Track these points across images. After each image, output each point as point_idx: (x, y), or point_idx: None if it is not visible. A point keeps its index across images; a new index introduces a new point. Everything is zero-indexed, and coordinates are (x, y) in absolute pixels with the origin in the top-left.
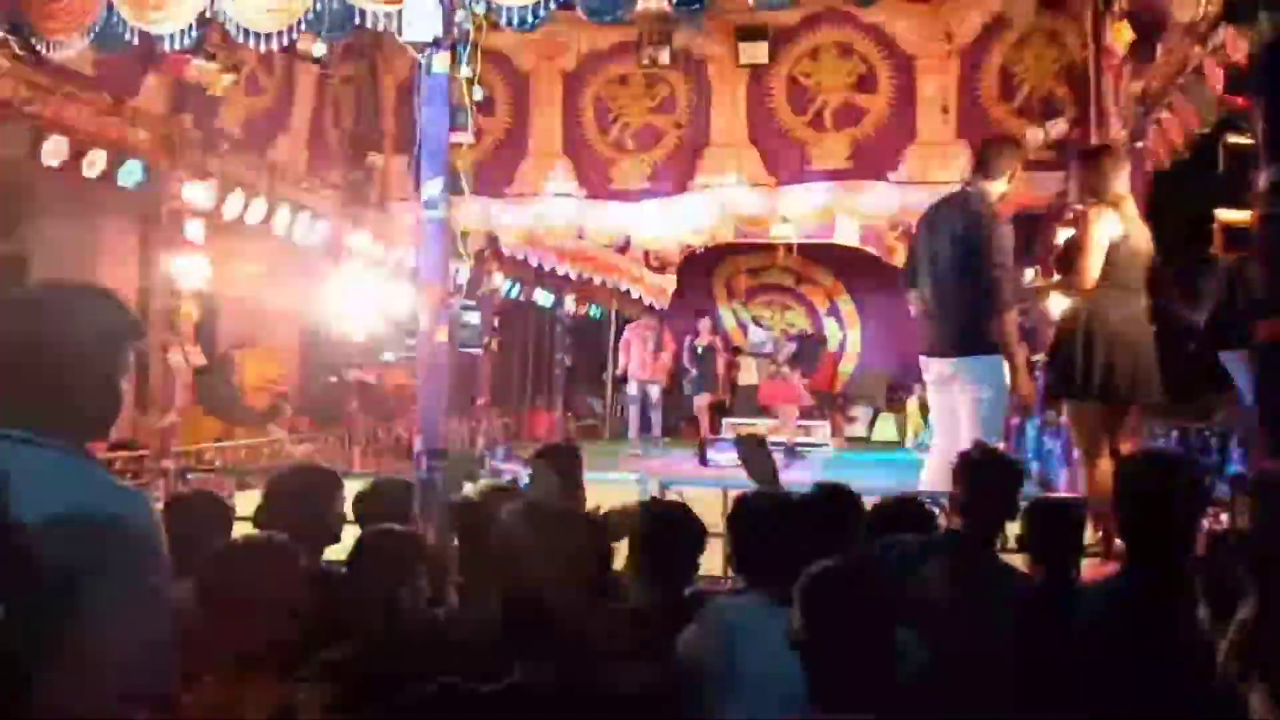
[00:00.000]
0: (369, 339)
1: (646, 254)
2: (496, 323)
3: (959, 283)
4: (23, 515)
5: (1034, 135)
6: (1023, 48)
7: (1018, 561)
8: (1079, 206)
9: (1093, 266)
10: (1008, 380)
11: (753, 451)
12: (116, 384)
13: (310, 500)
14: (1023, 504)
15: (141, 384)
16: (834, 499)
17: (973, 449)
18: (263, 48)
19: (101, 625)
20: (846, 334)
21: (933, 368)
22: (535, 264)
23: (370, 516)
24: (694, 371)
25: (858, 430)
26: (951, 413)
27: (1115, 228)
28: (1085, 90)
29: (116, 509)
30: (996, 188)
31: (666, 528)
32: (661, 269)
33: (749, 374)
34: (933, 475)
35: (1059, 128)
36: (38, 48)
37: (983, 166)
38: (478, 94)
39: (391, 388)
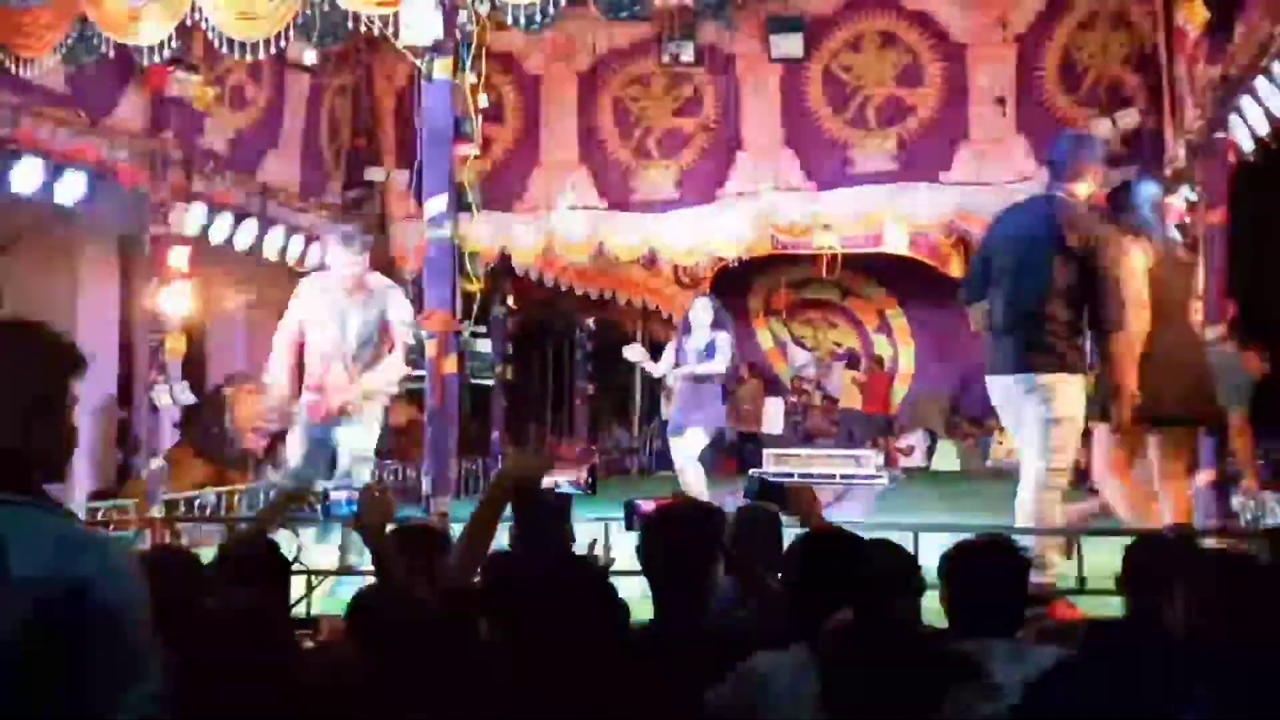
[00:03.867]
0: None
1: (676, 269)
2: (510, 350)
3: (1038, 297)
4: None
5: (1101, 127)
6: (1086, 32)
7: None
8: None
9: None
10: (1083, 404)
11: (777, 497)
12: (66, 421)
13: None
14: None
15: (126, 425)
16: (893, 555)
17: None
18: (249, 57)
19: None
20: (899, 352)
21: (998, 388)
22: (551, 284)
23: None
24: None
25: (915, 460)
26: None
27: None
28: (1156, 77)
29: (87, 571)
30: (1081, 190)
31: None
32: (692, 285)
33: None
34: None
35: (1129, 118)
36: (6, 65)
37: (1057, 168)
38: (483, 101)
39: (396, 424)
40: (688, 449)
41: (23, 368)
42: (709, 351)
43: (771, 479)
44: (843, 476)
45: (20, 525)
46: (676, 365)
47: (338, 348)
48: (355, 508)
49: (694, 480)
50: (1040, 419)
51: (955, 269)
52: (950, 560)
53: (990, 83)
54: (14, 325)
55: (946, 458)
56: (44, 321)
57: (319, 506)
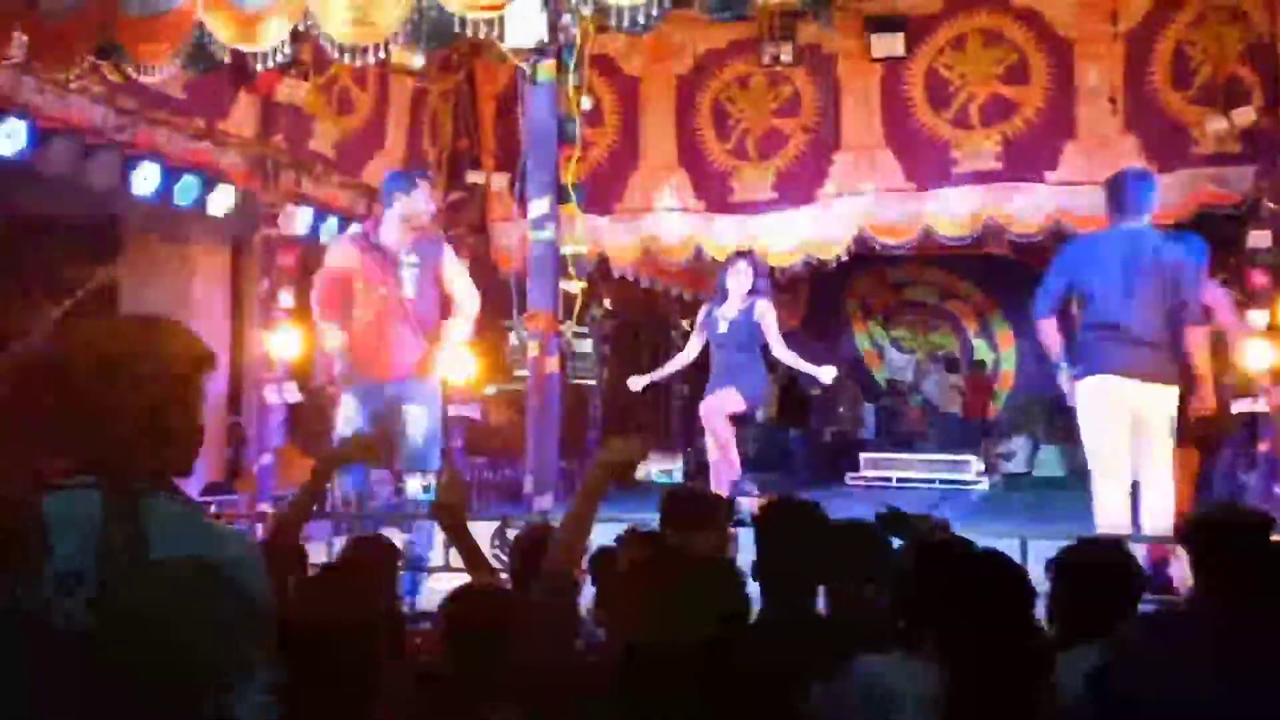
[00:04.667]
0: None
1: (771, 271)
2: (607, 351)
3: (1165, 314)
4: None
5: (1216, 125)
6: (1199, 27)
7: None
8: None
9: None
10: None
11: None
12: (198, 418)
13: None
14: None
15: (235, 423)
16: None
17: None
18: (358, 63)
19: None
20: (1000, 356)
21: (1136, 390)
22: (648, 285)
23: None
24: None
25: (1017, 466)
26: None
27: None
28: (1273, 71)
29: (218, 559)
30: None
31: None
32: (789, 287)
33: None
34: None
35: (1245, 116)
36: (129, 72)
37: (1142, 205)
38: (585, 103)
39: (496, 424)
40: (718, 405)
41: (156, 364)
42: (746, 322)
43: (904, 512)
44: (941, 482)
45: (156, 514)
46: (703, 333)
47: (397, 306)
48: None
49: (722, 435)
50: (1173, 430)
51: None
52: (1064, 562)
53: (1099, 81)
54: (147, 322)
55: (1050, 463)
56: (174, 319)
57: (395, 488)
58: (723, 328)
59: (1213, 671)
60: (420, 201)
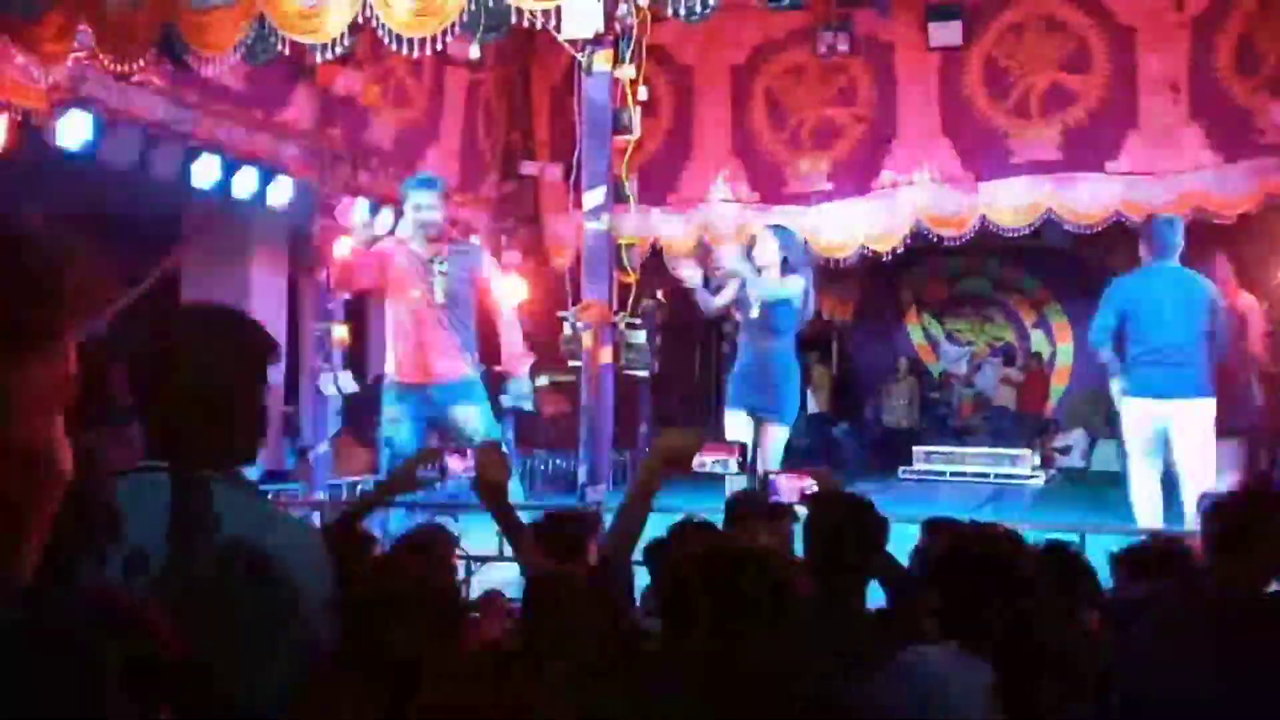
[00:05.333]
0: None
1: (827, 262)
2: (659, 342)
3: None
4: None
5: None
6: (1267, 13)
7: None
8: None
9: None
10: None
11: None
12: (262, 406)
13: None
14: None
15: (292, 413)
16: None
17: None
18: (415, 53)
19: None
20: (1057, 349)
21: (1165, 409)
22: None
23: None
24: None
25: (1073, 461)
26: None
27: None
28: None
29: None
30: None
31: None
32: (842, 279)
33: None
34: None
35: None
36: (190, 64)
37: (1173, 249)
38: (642, 93)
39: (548, 415)
40: (772, 446)
41: (222, 352)
42: (777, 305)
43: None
44: (996, 476)
45: (222, 498)
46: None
47: (429, 310)
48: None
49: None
50: (1209, 433)
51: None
52: (1123, 559)
53: (1162, 69)
54: (214, 311)
55: (1107, 458)
56: (240, 308)
57: (437, 469)
58: (755, 312)
59: (1213, 671)
60: (432, 207)
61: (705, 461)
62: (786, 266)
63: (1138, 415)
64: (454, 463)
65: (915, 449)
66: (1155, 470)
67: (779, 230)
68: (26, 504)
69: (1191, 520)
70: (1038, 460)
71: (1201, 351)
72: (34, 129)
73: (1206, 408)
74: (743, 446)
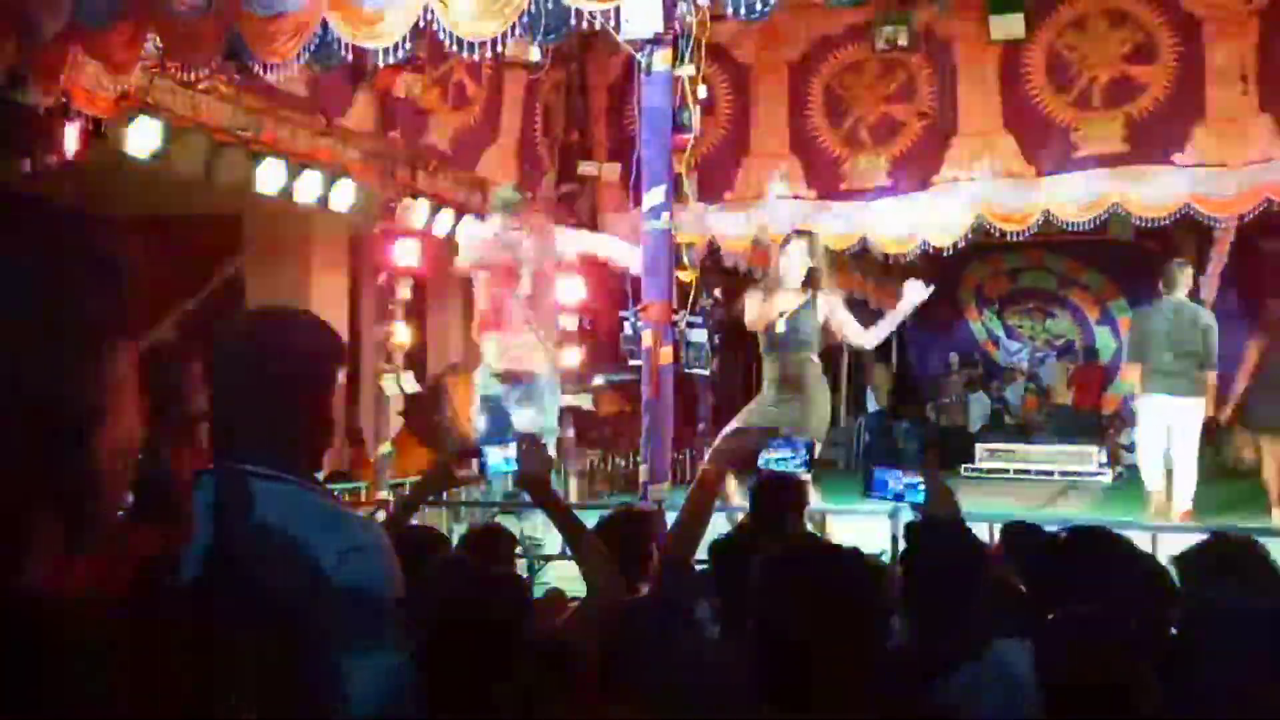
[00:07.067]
0: (580, 361)
1: (886, 258)
2: (717, 340)
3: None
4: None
5: None
6: None
7: None
8: None
9: None
10: None
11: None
12: (330, 408)
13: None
14: None
15: (354, 413)
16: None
17: None
18: (475, 56)
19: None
20: (1123, 344)
21: (1178, 406)
22: (760, 275)
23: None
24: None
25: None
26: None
27: None
28: None
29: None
30: None
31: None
32: (901, 275)
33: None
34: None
35: None
36: (255, 70)
37: (1175, 283)
38: (702, 92)
39: (606, 414)
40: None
41: (292, 355)
42: (807, 319)
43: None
44: (1062, 473)
45: (292, 501)
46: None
47: (514, 303)
48: (515, 464)
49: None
50: (1198, 430)
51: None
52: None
53: (1230, 60)
54: (286, 314)
55: None
56: (310, 311)
57: (479, 463)
58: (780, 327)
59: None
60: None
61: (769, 459)
62: (809, 283)
63: (1149, 408)
64: (493, 454)
65: (978, 446)
66: (1160, 457)
67: (805, 236)
68: (115, 490)
69: (1179, 503)
70: (1104, 456)
71: (1196, 365)
72: (103, 136)
73: (1198, 406)
74: (809, 444)
